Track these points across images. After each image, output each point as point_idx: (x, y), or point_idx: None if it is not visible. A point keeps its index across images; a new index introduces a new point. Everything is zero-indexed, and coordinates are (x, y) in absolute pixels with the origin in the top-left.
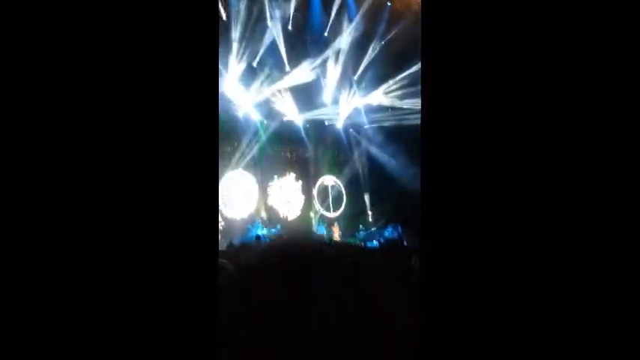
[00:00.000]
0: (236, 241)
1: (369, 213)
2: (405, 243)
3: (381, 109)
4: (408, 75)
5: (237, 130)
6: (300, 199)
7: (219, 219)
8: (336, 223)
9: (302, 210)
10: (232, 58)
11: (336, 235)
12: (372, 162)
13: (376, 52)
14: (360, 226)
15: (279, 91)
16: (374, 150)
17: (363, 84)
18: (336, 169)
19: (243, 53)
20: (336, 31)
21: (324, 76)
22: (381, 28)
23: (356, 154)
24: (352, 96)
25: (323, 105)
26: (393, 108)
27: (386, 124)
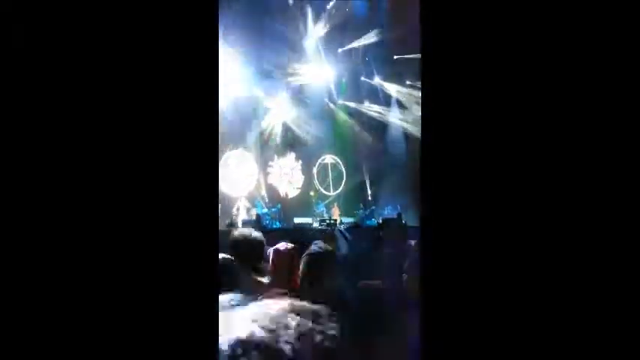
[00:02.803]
0: (236, 220)
1: (369, 192)
2: (404, 222)
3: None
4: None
5: (236, 108)
6: (299, 178)
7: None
8: (335, 204)
9: (302, 189)
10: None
11: (336, 215)
12: (373, 140)
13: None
14: (360, 204)
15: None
16: (375, 128)
17: (367, 59)
18: (337, 147)
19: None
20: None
21: (324, 50)
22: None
23: (358, 132)
24: (354, 73)
25: (325, 81)
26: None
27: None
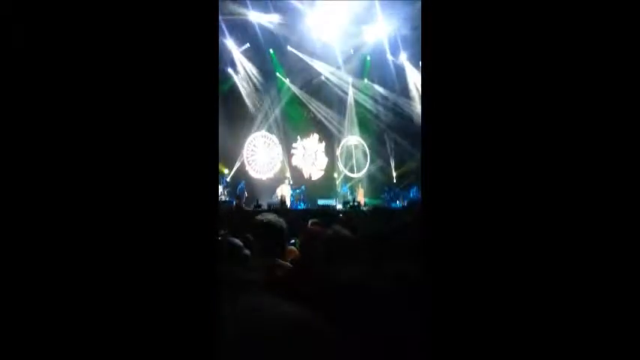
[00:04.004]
0: (262, 202)
1: (394, 174)
2: None
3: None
4: None
5: (258, 90)
6: (323, 160)
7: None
8: (360, 185)
9: (326, 170)
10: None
11: (361, 197)
12: (397, 120)
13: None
14: (385, 187)
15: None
16: (399, 108)
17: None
18: (361, 128)
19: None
20: None
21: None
22: None
23: (381, 112)
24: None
25: (347, 60)
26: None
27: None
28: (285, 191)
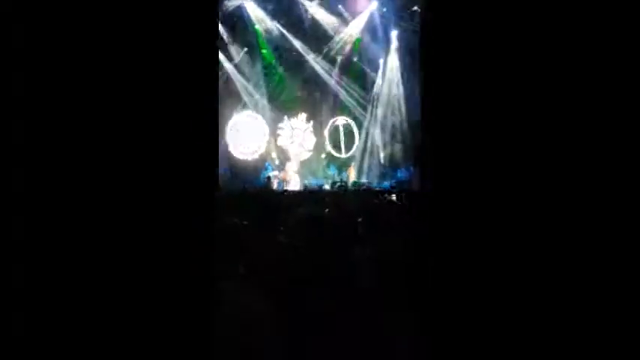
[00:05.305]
0: (248, 185)
1: (381, 154)
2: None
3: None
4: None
5: (243, 69)
6: (311, 140)
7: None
8: (353, 165)
9: (313, 151)
10: None
11: (352, 177)
12: (385, 101)
13: None
14: (370, 167)
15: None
16: (388, 88)
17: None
18: (349, 108)
19: None
20: None
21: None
22: None
23: (369, 92)
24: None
25: (336, 39)
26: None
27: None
28: (292, 169)
